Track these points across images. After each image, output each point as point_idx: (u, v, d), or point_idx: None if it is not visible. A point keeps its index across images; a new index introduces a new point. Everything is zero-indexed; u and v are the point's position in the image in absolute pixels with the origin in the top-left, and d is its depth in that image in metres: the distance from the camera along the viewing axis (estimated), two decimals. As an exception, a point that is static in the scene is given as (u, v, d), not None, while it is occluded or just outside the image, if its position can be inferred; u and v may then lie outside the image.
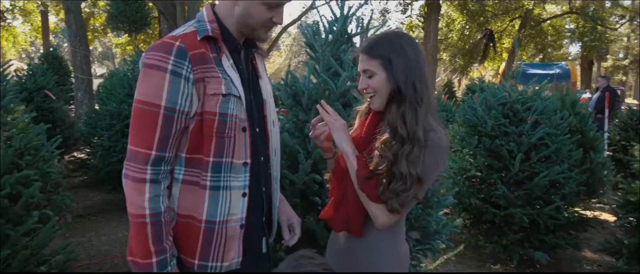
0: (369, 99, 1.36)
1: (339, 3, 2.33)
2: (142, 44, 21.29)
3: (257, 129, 1.35)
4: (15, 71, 6.91)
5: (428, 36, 15.18)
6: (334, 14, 2.34)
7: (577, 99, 4.53)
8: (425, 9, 16.48)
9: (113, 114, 5.10)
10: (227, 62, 1.24)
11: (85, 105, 9.57)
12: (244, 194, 1.28)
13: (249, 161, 1.28)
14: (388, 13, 17.43)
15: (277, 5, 1.25)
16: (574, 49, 27.70)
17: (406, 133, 1.23)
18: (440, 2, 16.66)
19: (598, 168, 4.19)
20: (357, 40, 2.33)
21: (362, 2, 2.68)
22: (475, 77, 24.15)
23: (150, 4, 13.98)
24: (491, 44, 18.50)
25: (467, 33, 19.27)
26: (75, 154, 7.34)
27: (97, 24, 20.57)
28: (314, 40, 2.29)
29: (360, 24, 2.36)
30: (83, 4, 18.85)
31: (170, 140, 1.17)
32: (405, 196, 1.22)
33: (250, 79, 1.36)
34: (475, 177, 3.79)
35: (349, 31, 2.34)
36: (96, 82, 13.90)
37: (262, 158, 1.36)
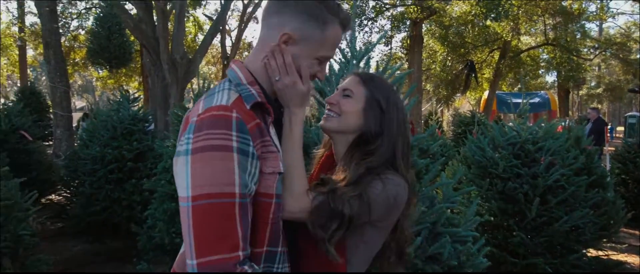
0: (325, 115, 1.21)
1: (349, 45, 2.15)
2: (123, 78, 20.92)
3: None
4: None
5: (412, 67, 15.34)
6: (344, 56, 2.15)
7: (582, 135, 4.43)
8: (408, 41, 16.73)
9: (95, 158, 4.75)
10: (273, 131, 1.05)
11: (64, 143, 9.13)
12: None
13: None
14: (372, 45, 17.61)
15: (326, 60, 1.11)
16: (551, 78, 28.54)
17: (351, 178, 1.09)
18: (423, 34, 16.99)
19: (610, 207, 4.04)
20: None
21: (375, 41, 2.53)
22: (458, 107, 24.50)
23: (132, 38, 13.77)
24: (472, 74, 18.81)
25: (449, 64, 19.59)
26: (53, 196, 6.88)
27: (77, 58, 20.16)
28: (325, 85, 2.08)
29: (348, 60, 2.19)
30: (63, 38, 18.52)
31: (248, 233, 0.93)
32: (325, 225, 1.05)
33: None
34: (488, 223, 3.57)
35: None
36: (76, 116, 13.43)
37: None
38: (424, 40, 17.69)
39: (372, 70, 2.35)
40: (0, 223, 2.37)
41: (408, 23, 16.16)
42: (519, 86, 22.14)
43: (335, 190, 1.08)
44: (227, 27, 22.98)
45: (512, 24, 16.34)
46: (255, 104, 1.00)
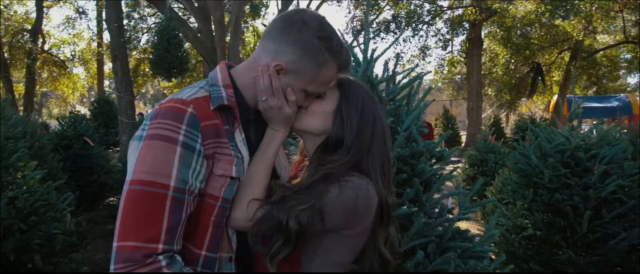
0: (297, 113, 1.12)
1: (361, 45, 2.04)
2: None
3: None
4: (58, 119, 7.18)
5: (471, 72, 14.67)
6: (356, 58, 2.05)
7: (651, 142, 3.90)
8: (467, 44, 16.02)
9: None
10: (240, 137, 1.04)
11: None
12: None
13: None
14: (428, 50, 17.09)
15: (315, 94, 1.09)
16: (633, 79, 25.93)
17: (302, 184, 1.03)
18: (482, 37, 16.18)
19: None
20: (383, 87, 2.01)
21: (391, 42, 2.39)
22: (525, 112, 22.98)
23: (192, 50, 14.50)
24: (539, 77, 17.60)
25: (513, 67, 18.49)
26: (113, 199, 7.38)
27: (147, 69, 21.69)
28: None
29: (388, 68, 2.05)
30: (134, 52, 20.03)
31: (179, 230, 0.91)
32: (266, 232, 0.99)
33: None
34: (533, 238, 3.25)
35: (375, 76, 2.03)
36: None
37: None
38: (484, 43, 16.85)
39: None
40: (35, 222, 2.53)
41: (466, 25, 15.50)
42: (595, 88, 20.39)
43: (283, 199, 0.99)
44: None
45: (584, 21, 15.09)
46: (220, 106, 0.99)
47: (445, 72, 20.34)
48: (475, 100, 15.47)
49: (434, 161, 1.91)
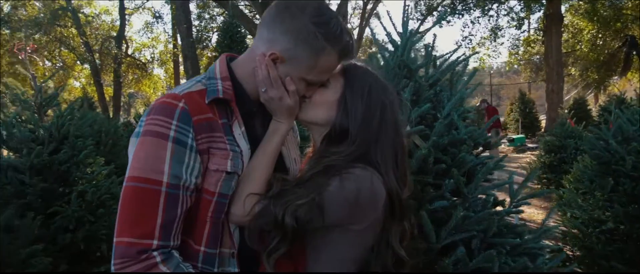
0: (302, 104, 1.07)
1: (396, 28, 1.91)
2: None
3: None
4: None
5: (549, 52, 13.45)
6: (392, 40, 1.93)
7: None
8: (544, 21, 14.71)
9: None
10: (239, 130, 1.02)
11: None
12: None
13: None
14: (500, 30, 15.95)
15: (317, 84, 1.04)
16: None
17: (302, 177, 0.98)
18: (562, 12, 14.74)
19: None
20: (422, 72, 1.87)
21: (431, 24, 2.23)
22: (616, 92, 20.69)
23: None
24: (634, 52, 15.71)
25: (600, 42, 16.67)
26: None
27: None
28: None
29: (430, 51, 1.90)
30: (206, 50, 21.11)
31: (175, 226, 0.90)
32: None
33: None
34: (614, 232, 2.89)
35: (414, 61, 1.90)
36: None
37: None
38: (566, 18, 15.35)
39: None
40: (102, 214, 2.74)
41: (543, 1, 14.21)
42: None
43: (281, 193, 0.94)
44: (348, 26, 23.44)
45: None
46: (214, 99, 0.97)
47: (520, 53, 18.90)
48: (555, 81, 14.18)
49: (480, 149, 1.74)
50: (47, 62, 19.32)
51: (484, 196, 1.68)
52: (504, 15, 15.52)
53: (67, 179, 2.76)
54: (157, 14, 22.87)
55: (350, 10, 21.58)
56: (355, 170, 0.93)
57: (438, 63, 1.93)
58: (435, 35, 1.94)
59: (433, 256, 1.49)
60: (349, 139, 0.99)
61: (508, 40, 16.59)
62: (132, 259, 0.84)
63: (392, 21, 2.02)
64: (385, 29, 2.08)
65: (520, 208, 1.68)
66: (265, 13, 1.01)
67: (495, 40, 16.16)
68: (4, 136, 2.47)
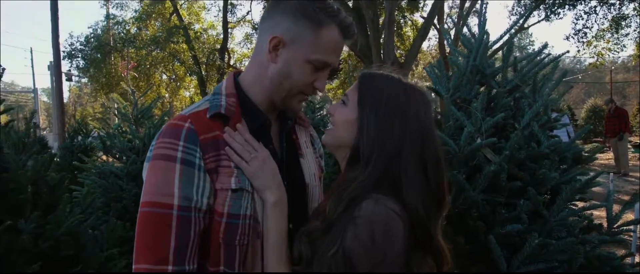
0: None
1: (472, 28, 1.74)
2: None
3: (291, 225, 1.01)
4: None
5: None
6: (467, 41, 1.76)
7: None
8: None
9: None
10: None
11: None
12: None
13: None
14: (624, 20, 13.88)
15: (324, 67, 1.00)
16: None
17: (327, 220, 0.87)
18: None
19: None
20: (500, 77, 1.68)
21: (521, 19, 1.99)
22: None
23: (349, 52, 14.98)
24: None
25: None
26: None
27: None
28: (439, 83, 1.75)
29: (508, 53, 1.70)
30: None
31: (190, 249, 0.90)
32: None
33: (285, 161, 1.07)
34: None
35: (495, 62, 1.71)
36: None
37: None
38: None
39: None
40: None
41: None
42: None
43: (314, 249, 0.87)
44: (445, 26, 22.41)
45: None
46: (215, 114, 0.97)
47: (651, 44, 16.24)
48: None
49: (567, 165, 1.50)
50: (164, 75, 21.67)
51: (576, 218, 1.45)
52: (629, 1, 13.43)
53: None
54: (257, 26, 24.32)
55: (446, 10, 20.67)
56: (365, 206, 0.83)
57: (519, 67, 1.72)
58: (511, 36, 1.73)
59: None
60: (362, 161, 0.90)
61: (635, 30, 14.32)
62: None
63: (485, 17, 1.84)
64: (469, 29, 1.93)
65: (622, 236, 1.41)
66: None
67: (617, 32, 14.12)
68: (108, 145, 2.79)
